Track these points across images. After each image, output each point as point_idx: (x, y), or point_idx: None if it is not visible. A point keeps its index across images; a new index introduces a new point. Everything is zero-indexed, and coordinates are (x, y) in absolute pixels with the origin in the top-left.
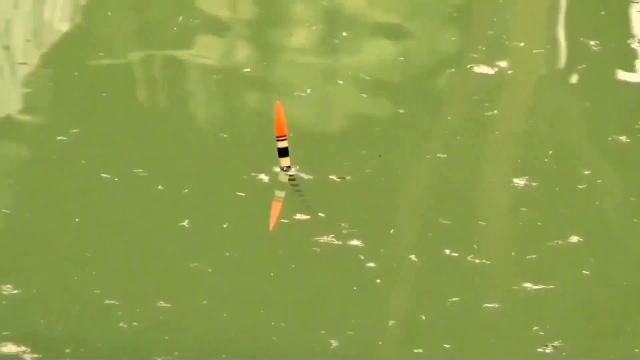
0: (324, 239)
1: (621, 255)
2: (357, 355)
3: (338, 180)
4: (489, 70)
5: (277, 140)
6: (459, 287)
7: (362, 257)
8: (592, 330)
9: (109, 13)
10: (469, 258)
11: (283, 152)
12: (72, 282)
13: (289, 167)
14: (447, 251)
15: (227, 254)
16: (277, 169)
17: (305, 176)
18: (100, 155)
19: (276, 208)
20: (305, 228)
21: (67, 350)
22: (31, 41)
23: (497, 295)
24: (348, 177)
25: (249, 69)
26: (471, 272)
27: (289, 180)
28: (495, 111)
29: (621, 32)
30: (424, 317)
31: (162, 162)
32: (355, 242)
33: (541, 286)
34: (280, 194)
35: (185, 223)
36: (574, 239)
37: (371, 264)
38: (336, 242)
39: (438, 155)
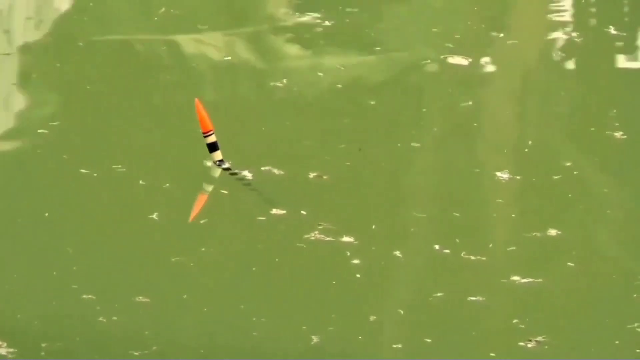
0: (314, 235)
1: (601, 247)
2: (337, 351)
3: (313, 177)
4: (463, 61)
5: (204, 137)
6: (445, 282)
7: (348, 254)
8: (577, 325)
9: (91, 3)
10: (462, 254)
11: (212, 147)
12: (51, 277)
13: (222, 161)
14: (437, 247)
15: (203, 249)
16: (209, 164)
17: (277, 171)
18: (80, 150)
19: (200, 200)
20: (288, 224)
21: (44, 345)
22: (32, 19)
23: (482, 289)
24: (325, 177)
25: (229, 57)
26: (457, 267)
27: (230, 174)
28: (470, 102)
29: (602, 22)
30: (402, 312)
31: (143, 158)
32: (335, 238)
33: (530, 279)
34: (208, 187)
35: (164, 218)
36: (553, 232)
37: (356, 261)
38: (320, 239)
39: (412, 144)
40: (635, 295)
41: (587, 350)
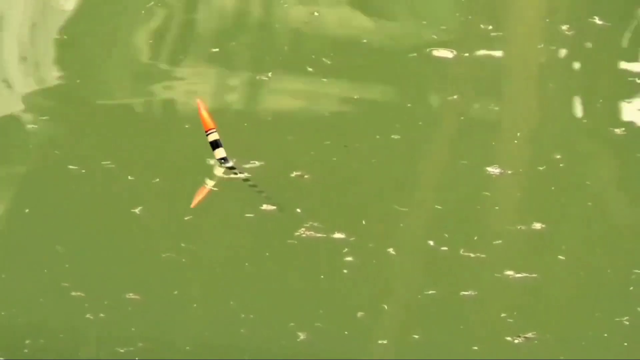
0: (304, 233)
1: (594, 241)
2: (324, 347)
3: (295, 176)
4: (448, 54)
5: (207, 135)
6: (435, 278)
7: (343, 251)
8: (568, 319)
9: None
10: (462, 252)
11: (215, 145)
12: (40, 275)
13: (225, 159)
14: (431, 243)
15: (195, 245)
16: (212, 162)
17: (258, 163)
18: (69, 146)
19: (202, 191)
20: (279, 221)
21: (27, 342)
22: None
23: (475, 284)
24: (307, 176)
25: (217, 49)
26: (448, 262)
27: (230, 170)
28: (456, 96)
29: (586, 12)
30: (386, 307)
31: (132, 154)
32: (324, 235)
33: (524, 274)
34: (210, 182)
35: (155, 214)
36: (537, 225)
37: (346, 258)
38: (309, 235)
39: (393, 136)
40: (631, 288)
41: (576, 344)
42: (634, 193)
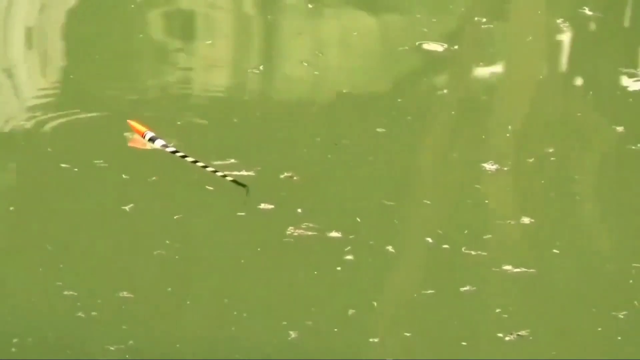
0: (297, 232)
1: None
2: (314, 346)
3: (284, 178)
4: (438, 48)
5: (143, 138)
6: (434, 274)
7: (336, 249)
8: (563, 315)
9: None
10: (463, 250)
11: (153, 140)
12: (36, 274)
13: (166, 145)
14: (430, 240)
15: (177, 243)
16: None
17: (245, 173)
18: (62, 145)
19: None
20: (269, 219)
21: (15, 340)
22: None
23: (473, 280)
24: (296, 178)
25: (210, 42)
26: (442, 259)
27: (174, 153)
28: (445, 90)
29: (576, 3)
30: (375, 304)
31: (125, 154)
32: (317, 233)
33: (522, 269)
34: (153, 145)
35: (148, 212)
36: (526, 220)
37: (341, 256)
38: (303, 234)
39: (378, 130)
40: (631, 282)
41: (571, 338)
42: (632, 188)
